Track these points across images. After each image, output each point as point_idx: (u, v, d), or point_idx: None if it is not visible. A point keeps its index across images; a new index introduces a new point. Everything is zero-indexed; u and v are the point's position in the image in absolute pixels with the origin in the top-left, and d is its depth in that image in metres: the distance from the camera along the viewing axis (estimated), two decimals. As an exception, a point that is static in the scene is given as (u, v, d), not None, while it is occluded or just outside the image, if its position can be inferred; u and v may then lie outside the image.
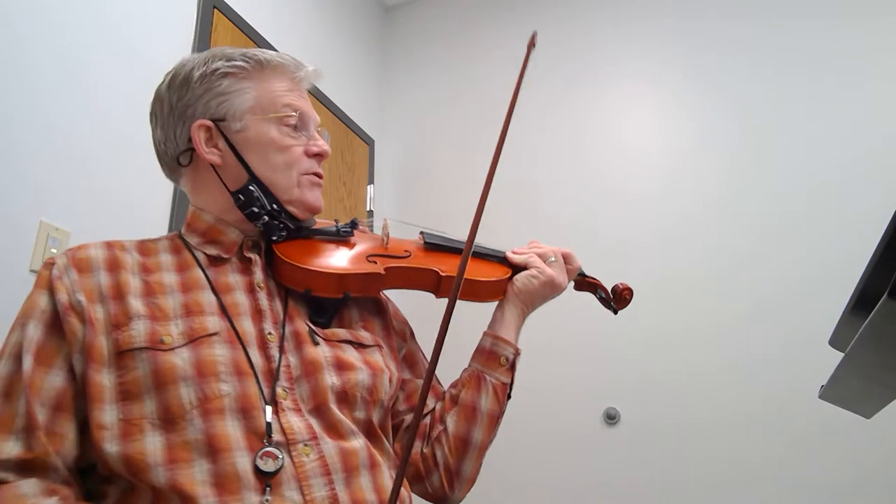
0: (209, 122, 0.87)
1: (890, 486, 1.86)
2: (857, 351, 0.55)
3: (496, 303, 1.03)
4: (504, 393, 0.95)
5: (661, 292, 2.24)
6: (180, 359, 0.71)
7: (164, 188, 1.80)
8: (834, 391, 0.74)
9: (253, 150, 0.87)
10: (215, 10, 2.09)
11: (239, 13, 2.20)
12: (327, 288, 0.86)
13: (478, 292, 0.99)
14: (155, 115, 0.92)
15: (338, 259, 0.91)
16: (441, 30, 3.08)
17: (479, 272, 1.00)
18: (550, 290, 1.01)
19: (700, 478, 2.07)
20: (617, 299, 1.12)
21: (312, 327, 0.83)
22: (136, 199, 1.71)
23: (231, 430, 0.69)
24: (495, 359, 0.95)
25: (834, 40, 2.31)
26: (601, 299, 1.14)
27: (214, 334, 0.75)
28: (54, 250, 1.47)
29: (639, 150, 2.53)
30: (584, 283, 1.13)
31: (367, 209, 2.80)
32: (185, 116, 0.88)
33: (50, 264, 0.79)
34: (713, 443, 2.08)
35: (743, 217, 2.28)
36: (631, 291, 1.12)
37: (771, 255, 2.20)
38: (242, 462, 0.67)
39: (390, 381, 0.88)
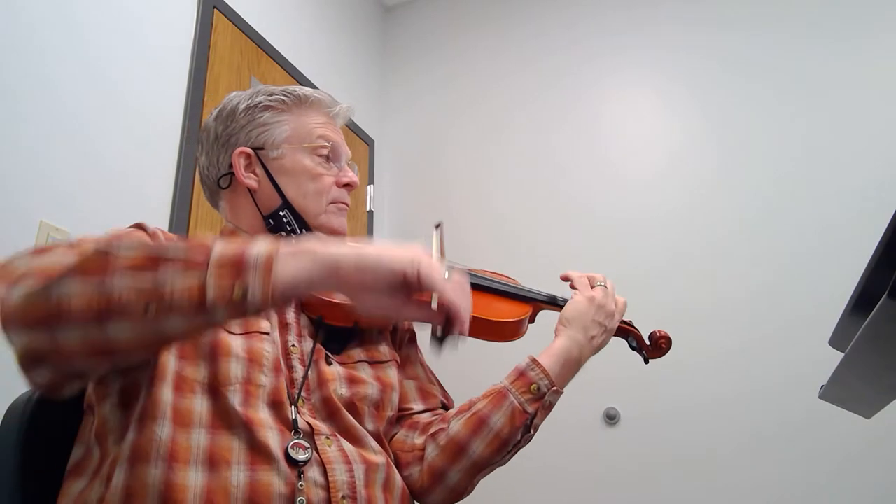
0: (249, 150, 0.94)
1: (890, 480, 1.86)
2: (857, 351, 0.55)
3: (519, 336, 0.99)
4: (521, 420, 0.87)
5: (661, 292, 2.24)
6: (236, 342, 0.78)
7: (165, 189, 1.81)
8: (834, 391, 0.74)
9: (287, 176, 0.94)
10: (215, 10, 2.09)
11: (239, 13, 2.20)
12: (337, 317, 0.89)
13: (486, 331, 0.95)
14: (201, 143, 1.00)
15: None
16: (441, 30, 3.08)
17: (493, 311, 0.96)
18: (596, 310, 0.96)
19: (700, 478, 2.07)
20: (653, 347, 1.05)
21: (326, 352, 0.88)
22: (137, 199, 1.71)
23: (263, 415, 0.75)
24: (526, 382, 0.89)
25: (828, 42, 2.32)
26: (633, 347, 1.06)
27: (266, 333, 0.82)
28: (54, 250, 1.47)
29: (638, 150, 2.53)
30: (618, 328, 1.03)
31: (367, 209, 2.80)
32: (229, 144, 0.95)
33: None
34: (713, 443, 2.08)
35: (743, 219, 2.28)
36: (669, 341, 1.04)
37: (773, 254, 2.20)
38: (274, 442, 0.73)
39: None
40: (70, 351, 0.59)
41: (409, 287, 0.65)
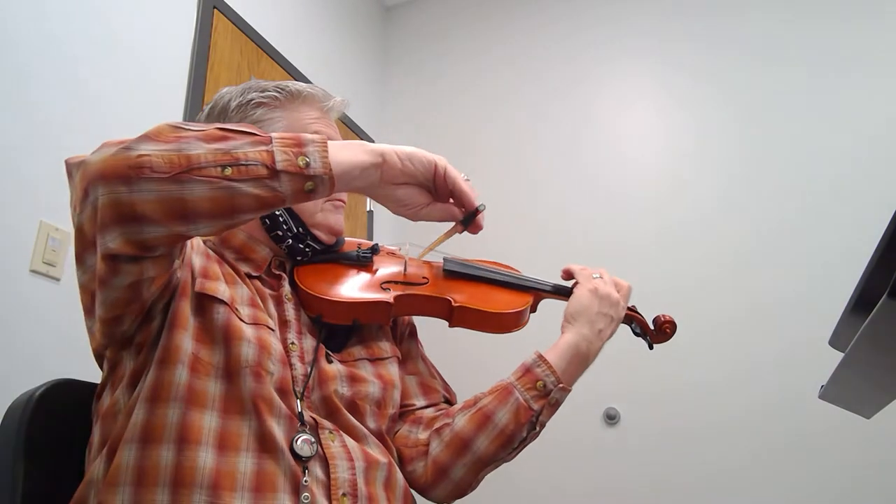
0: None
1: (890, 489, 1.85)
2: (857, 351, 0.55)
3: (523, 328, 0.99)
4: (527, 417, 0.87)
5: (662, 293, 2.24)
6: (247, 330, 0.79)
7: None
8: (834, 391, 0.74)
9: None
10: (215, 10, 2.09)
11: (239, 13, 2.20)
12: (336, 315, 0.89)
13: (486, 323, 0.95)
14: None
15: (351, 286, 0.92)
16: (441, 29, 3.08)
17: (492, 302, 0.95)
18: (600, 302, 0.95)
19: (700, 477, 2.07)
20: (657, 331, 1.03)
21: (326, 350, 0.88)
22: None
23: (272, 398, 0.76)
24: (531, 379, 0.89)
25: (837, 36, 2.31)
26: (637, 333, 1.05)
27: (272, 329, 0.83)
28: (54, 250, 1.47)
29: (635, 152, 2.52)
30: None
31: (367, 209, 2.80)
32: None
33: None
34: (713, 442, 2.08)
35: (744, 220, 2.28)
36: (674, 325, 1.03)
37: (774, 257, 2.19)
38: (280, 434, 0.73)
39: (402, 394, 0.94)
40: (146, 208, 0.62)
41: (436, 185, 0.79)
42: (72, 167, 0.68)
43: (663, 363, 2.21)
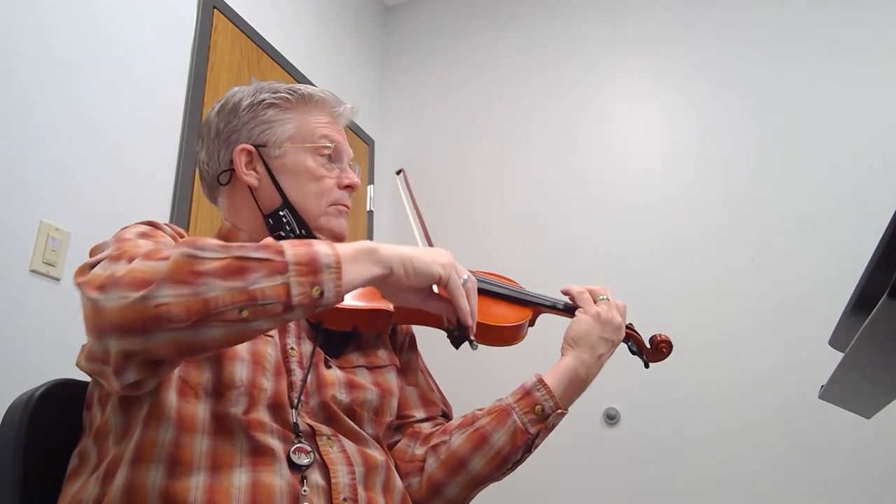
0: (251, 147, 0.93)
1: (892, 493, 1.85)
2: (857, 351, 0.55)
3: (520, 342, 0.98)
4: (523, 440, 0.88)
5: (662, 294, 2.24)
6: (242, 344, 0.77)
7: (163, 190, 1.81)
8: (834, 391, 0.74)
9: (289, 175, 0.93)
10: (215, 10, 2.09)
11: (239, 13, 2.20)
12: (336, 322, 0.89)
13: (484, 336, 0.93)
14: (202, 137, 0.99)
15: (352, 293, 0.92)
16: (441, 29, 3.08)
17: (491, 315, 0.95)
18: (602, 327, 0.96)
19: (700, 477, 2.06)
20: (654, 351, 1.04)
21: (325, 356, 0.88)
22: (137, 199, 1.71)
23: (265, 419, 0.76)
24: (530, 403, 0.90)
25: (848, 27, 2.30)
26: (633, 352, 1.05)
27: (270, 336, 0.82)
28: (54, 250, 1.47)
29: (635, 154, 2.52)
30: None
31: (367, 210, 2.80)
32: (230, 141, 0.95)
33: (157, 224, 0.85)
34: (713, 443, 2.08)
35: (748, 225, 2.27)
36: (670, 345, 1.04)
37: (780, 261, 2.18)
38: (276, 445, 0.73)
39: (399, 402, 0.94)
40: (160, 350, 0.62)
41: (437, 288, 0.76)
42: (84, 292, 0.64)
43: (664, 364, 2.20)
